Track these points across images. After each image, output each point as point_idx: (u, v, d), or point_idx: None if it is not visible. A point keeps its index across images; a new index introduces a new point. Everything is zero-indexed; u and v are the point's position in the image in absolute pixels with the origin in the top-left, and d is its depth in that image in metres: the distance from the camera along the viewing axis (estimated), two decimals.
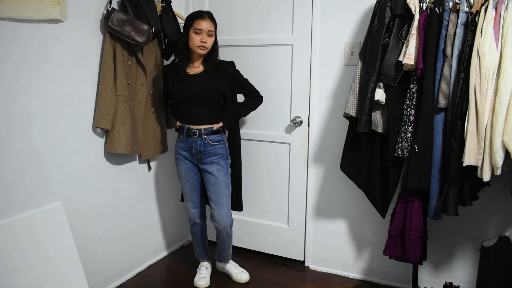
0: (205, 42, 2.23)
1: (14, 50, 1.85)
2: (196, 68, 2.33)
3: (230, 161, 2.42)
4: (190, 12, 2.87)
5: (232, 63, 2.37)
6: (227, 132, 2.42)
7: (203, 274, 2.55)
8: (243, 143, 2.61)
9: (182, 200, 2.61)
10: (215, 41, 2.31)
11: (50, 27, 1.98)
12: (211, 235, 2.70)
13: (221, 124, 2.34)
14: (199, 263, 2.63)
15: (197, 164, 2.39)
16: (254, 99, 2.45)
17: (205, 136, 2.31)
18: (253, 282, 2.57)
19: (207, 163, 2.35)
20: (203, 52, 2.26)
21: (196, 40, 2.23)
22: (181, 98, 2.32)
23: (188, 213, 2.51)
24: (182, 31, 2.38)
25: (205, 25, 2.22)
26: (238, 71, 2.39)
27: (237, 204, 2.58)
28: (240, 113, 2.45)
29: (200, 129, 2.31)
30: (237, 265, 2.65)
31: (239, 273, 2.59)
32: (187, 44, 2.27)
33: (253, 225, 2.91)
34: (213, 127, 2.33)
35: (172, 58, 2.73)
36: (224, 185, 2.36)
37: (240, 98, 2.47)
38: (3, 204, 1.87)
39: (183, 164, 2.41)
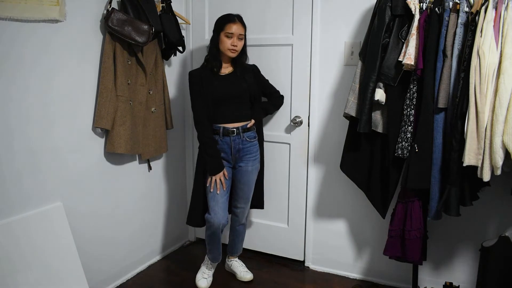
0: (236, 46, 2.28)
1: (14, 50, 1.85)
2: (226, 68, 2.39)
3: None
4: (190, 12, 2.90)
5: (255, 66, 2.50)
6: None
7: (205, 274, 2.55)
8: None
9: (188, 222, 2.51)
10: (244, 44, 2.36)
11: (49, 27, 1.98)
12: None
13: (253, 121, 2.41)
14: (201, 264, 2.62)
15: (234, 163, 2.41)
16: (278, 98, 2.61)
17: (243, 133, 2.36)
18: (253, 282, 2.58)
19: (244, 160, 2.40)
20: (234, 55, 2.32)
21: (227, 44, 2.27)
22: (218, 97, 2.32)
23: (212, 217, 2.33)
24: (182, 30, 2.36)
25: (235, 28, 2.27)
26: (261, 73, 2.52)
27: (260, 202, 2.63)
28: (267, 111, 2.56)
29: (237, 127, 2.35)
30: (244, 264, 2.67)
31: (243, 272, 2.61)
32: (218, 47, 2.31)
33: (253, 225, 2.91)
34: (247, 124, 2.38)
35: (172, 57, 2.73)
36: (253, 184, 2.48)
37: None
38: (3, 204, 1.87)
39: None
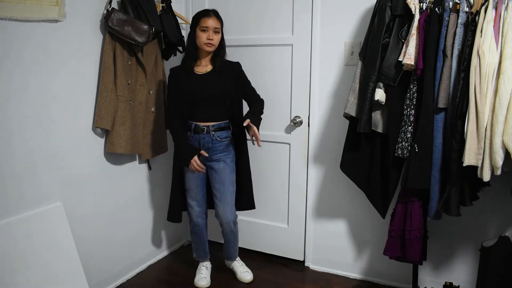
0: (212, 39, 2.26)
1: (13, 50, 1.85)
2: (205, 67, 2.35)
3: (235, 158, 2.46)
4: (190, 12, 2.89)
5: (238, 64, 2.42)
6: (254, 128, 2.22)
7: (204, 274, 2.56)
8: None
9: (169, 219, 2.54)
10: (222, 39, 2.34)
11: (49, 27, 1.98)
12: (212, 235, 2.69)
13: (248, 120, 2.18)
14: (199, 264, 2.62)
15: (204, 161, 2.40)
16: (259, 103, 2.41)
17: (213, 132, 2.34)
18: (253, 282, 2.57)
19: (214, 160, 2.38)
20: (210, 49, 2.29)
21: (203, 38, 2.25)
22: (190, 97, 2.32)
23: (190, 212, 2.48)
24: (182, 30, 2.36)
25: (211, 22, 2.25)
26: (244, 72, 2.43)
27: (249, 203, 2.59)
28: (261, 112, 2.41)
29: (208, 126, 2.34)
30: (244, 264, 2.66)
31: (243, 273, 2.60)
32: (195, 43, 2.29)
33: (253, 225, 2.91)
34: (220, 123, 2.36)
35: (172, 57, 2.73)
36: (229, 183, 2.41)
37: None
38: (2, 205, 1.87)
39: None
